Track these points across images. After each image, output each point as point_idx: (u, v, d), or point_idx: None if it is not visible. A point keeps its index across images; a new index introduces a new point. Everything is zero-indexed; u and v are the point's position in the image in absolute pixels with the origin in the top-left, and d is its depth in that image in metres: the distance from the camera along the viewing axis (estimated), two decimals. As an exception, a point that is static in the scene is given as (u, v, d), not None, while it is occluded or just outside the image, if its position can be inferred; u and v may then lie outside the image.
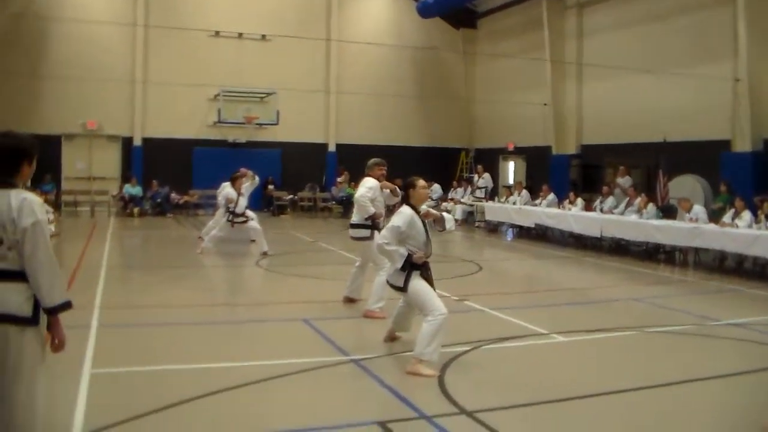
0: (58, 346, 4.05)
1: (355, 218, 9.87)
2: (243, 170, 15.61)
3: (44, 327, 3.97)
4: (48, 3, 24.97)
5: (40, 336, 3.93)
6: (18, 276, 3.84)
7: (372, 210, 9.44)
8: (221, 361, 7.07)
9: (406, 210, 7.21)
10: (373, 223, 9.55)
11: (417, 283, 7.02)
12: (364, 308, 9.43)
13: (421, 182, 7.35)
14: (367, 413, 5.73)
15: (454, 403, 5.80)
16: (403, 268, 6.97)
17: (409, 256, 6.94)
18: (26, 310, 3.83)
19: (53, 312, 3.91)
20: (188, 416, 5.58)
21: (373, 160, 10.01)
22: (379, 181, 9.70)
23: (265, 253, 15.03)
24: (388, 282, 7.42)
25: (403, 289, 7.07)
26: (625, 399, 6.14)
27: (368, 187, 9.62)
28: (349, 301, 9.95)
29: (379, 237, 7.38)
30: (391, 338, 7.69)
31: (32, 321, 3.86)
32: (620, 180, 19.99)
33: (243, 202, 15.31)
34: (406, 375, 6.65)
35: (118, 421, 5.24)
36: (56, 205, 23.46)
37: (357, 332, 8.58)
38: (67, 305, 3.93)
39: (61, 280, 3.97)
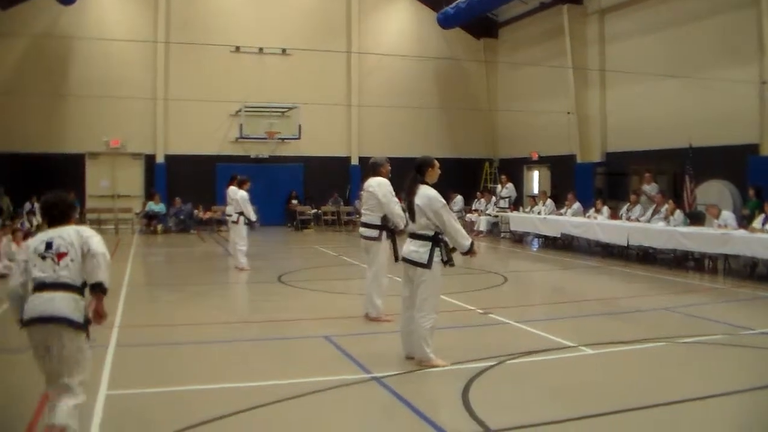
0: (100, 316, 5.10)
1: (365, 218, 9.83)
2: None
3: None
4: (71, 22, 25.18)
5: (83, 338, 5.04)
6: (74, 288, 5.03)
7: (402, 225, 9.29)
8: (241, 380, 6.94)
9: (430, 189, 7.30)
10: (383, 225, 9.50)
11: (440, 270, 7.19)
12: (368, 315, 9.57)
13: (437, 162, 7.52)
14: (388, 433, 5.59)
15: (479, 422, 5.60)
16: (434, 250, 7.17)
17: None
18: (78, 317, 4.97)
19: (98, 288, 5.03)
20: (205, 439, 5.44)
21: (380, 159, 9.88)
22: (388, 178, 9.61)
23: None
24: (404, 258, 7.45)
25: (426, 265, 7.14)
26: (656, 414, 5.92)
27: (390, 191, 9.49)
28: (374, 319, 9.79)
29: (446, 216, 7.17)
30: (410, 357, 7.56)
31: (82, 326, 5.00)
32: (646, 187, 19.73)
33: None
34: (428, 392, 6.50)
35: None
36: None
37: (378, 349, 8.41)
38: (106, 290, 5.03)
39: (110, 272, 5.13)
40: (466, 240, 7.24)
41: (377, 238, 9.63)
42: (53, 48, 25.22)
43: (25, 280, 5.04)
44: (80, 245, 5.09)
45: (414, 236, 7.41)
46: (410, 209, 7.38)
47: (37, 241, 5.13)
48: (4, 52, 24.82)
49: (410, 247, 7.40)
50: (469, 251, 7.26)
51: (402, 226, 9.33)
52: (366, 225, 9.85)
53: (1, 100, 24.34)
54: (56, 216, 5.27)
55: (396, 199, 9.39)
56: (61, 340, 4.90)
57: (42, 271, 4.97)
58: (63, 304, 4.91)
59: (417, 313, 7.25)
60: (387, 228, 9.56)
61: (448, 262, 7.25)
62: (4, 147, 24.30)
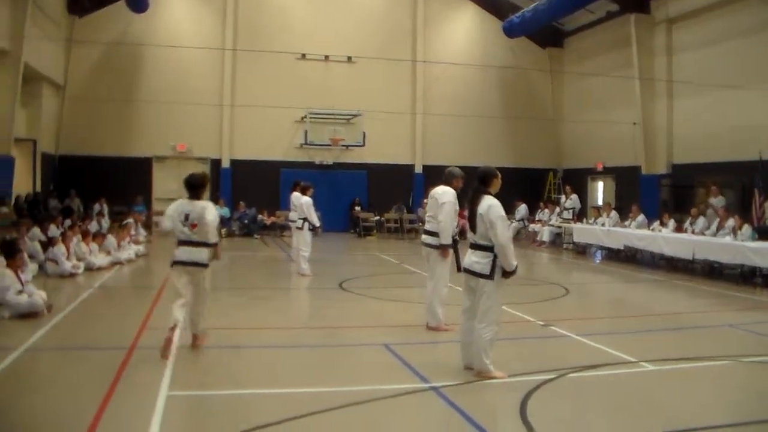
0: (218, 258, 8.63)
1: (429, 225, 9.85)
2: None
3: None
4: (142, 30, 25.85)
5: (208, 275, 8.47)
6: (203, 244, 8.24)
7: (449, 239, 9.33)
8: (300, 386, 7.04)
9: (494, 199, 7.31)
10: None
11: (501, 282, 7.21)
12: (428, 324, 9.60)
13: (499, 173, 7.56)
14: (445, 444, 5.60)
15: (536, 435, 5.59)
16: (496, 260, 7.18)
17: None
18: (205, 260, 8.30)
19: (212, 245, 8.32)
20: (264, 443, 5.53)
21: (456, 170, 9.83)
22: (457, 192, 9.60)
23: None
24: (466, 269, 7.48)
25: (488, 276, 7.16)
26: (717, 434, 5.84)
27: (452, 201, 9.47)
28: (433, 329, 9.80)
29: (501, 228, 7.15)
30: (468, 367, 7.55)
31: (206, 265, 8.36)
32: (713, 200, 19.37)
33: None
34: (486, 403, 6.51)
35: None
36: (148, 225, 24.01)
37: (438, 358, 8.43)
38: (215, 244, 8.38)
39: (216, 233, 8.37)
40: (514, 259, 7.18)
41: (438, 246, 9.59)
42: (125, 55, 25.90)
43: (173, 225, 8.26)
44: (201, 216, 8.10)
45: (476, 247, 7.39)
46: (472, 219, 7.38)
47: (180, 209, 8.26)
48: (79, 59, 25.60)
49: (472, 258, 7.41)
50: (512, 273, 7.21)
51: (446, 241, 9.35)
52: (428, 233, 9.84)
53: (75, 104, 25.15)
54: (192, 190, 8.33)
55: (455, 213, 9.41)
56: (197, 275, 8.31)
57: (182, 233, 8.23)
58: (197, 254, 8.22)
59: (478, 324, 7.24)
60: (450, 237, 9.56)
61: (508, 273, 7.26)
62: (76, 150, 25.04)
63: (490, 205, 7.22)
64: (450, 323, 9.37)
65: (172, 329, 7.82)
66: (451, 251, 9.44)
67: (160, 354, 7.66)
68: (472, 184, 7.55)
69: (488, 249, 7.22)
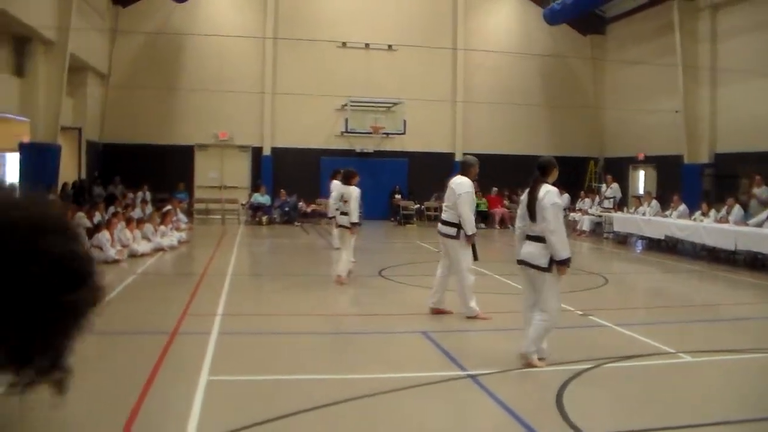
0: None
1: (445, 215, 9.86)
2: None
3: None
4: (183, 20, 26.10)
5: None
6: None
7: (470, 231, 9.41)
8: (337, 372, 7.15)
9: (551, 187, 7.37)
10: (461, 223, 9.53)
11: (557, 272, 7.20)
12: (464, 314, 9.60)
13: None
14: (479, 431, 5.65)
15: (572, 425, 5.60)
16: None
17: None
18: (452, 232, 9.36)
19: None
20: (300, 428, 5.64)
21: (471, 158, 9.91)
22: (473, 181, 9.64)
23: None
24: (524, 261, 7.44)
25: (547, 269, 7.15)
26: (755, 428, 5.82)
27: (469, 192, 9.56)
28: (439, 312, 9.89)
29: (552, 214, 7.15)
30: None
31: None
32: (756, 190, 19.07)
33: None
34: (523, 392, 6.56)
35: (230, 429, 5.33)
36: (189, 212, 24.32)
37: (476, 346, 8.49)
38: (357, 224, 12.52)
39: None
40: (565, 250, 7.15)
41: (455, 237, 9.60)
42: (167, 44, 26.18)
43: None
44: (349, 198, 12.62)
45: (533, 238, 7.38)
46: (530, 209, 7.37)
47: (336, 192, 12.47)
48: (122, 49, 25.96)
49: (528, 249, 7.40)
50: (563, 263, 7.17)
51: (470, 232, 9.39)
52: (444, 222, 9.85)
53: (118, 93, 25.52)
54: (344, 178, 12.20)
55: (472, 203, 9.46)
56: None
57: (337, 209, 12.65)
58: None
59: (536, 315, 7.27)
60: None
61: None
62: (120, 138, 25.42)
63: (547, 191, 7.27)
64: (488, 312, 9.44)
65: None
66: (464, 238, 9.56)
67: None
68: (533, 173, 7.57)
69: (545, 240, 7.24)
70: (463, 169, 9.80)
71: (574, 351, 7.99)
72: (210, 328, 8.68)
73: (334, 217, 15.22)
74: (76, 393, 4.82)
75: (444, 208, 10.00)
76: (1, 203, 1.26)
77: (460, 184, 9.60)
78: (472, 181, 9.65)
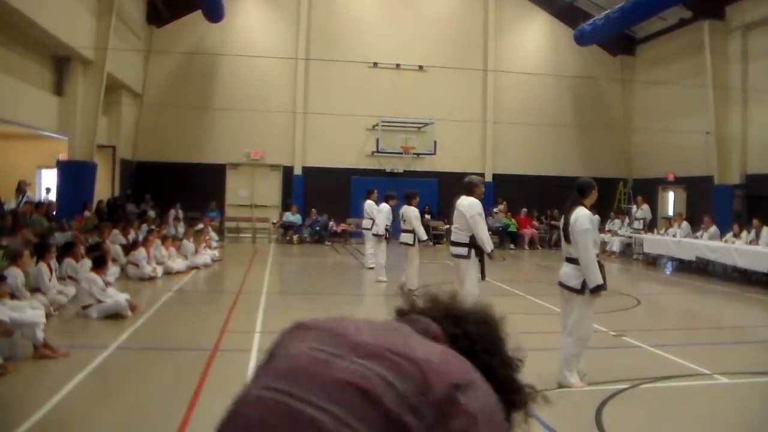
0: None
1: (454, 236, 9.95)
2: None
3: None
4: (216, 40, 26.43)
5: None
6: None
7: (488, 248, 9.52)
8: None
9: (583, 210, 7.34)
10: (472, 243, 9.60)
11: (591, 297, 7.22)
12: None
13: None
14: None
15: (612, 444, 5.69)
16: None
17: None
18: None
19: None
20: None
21: (476, 178, 10.05)
22: (479, 199, 9.73)
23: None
24: (559, 282, 7.50)
25: (580, 291, 7.19)
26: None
27: (480, 212, 9.66)
28: None
29: (582, 242, 7.18)
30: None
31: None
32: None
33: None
34: (562, 411, 6.63)
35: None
36: (221, 231, 24.57)
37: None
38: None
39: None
40: (596, 277, 7.15)
41: (466, 256, 9.70)
42: (200, 64, 26.53)
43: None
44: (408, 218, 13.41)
45: (569, 260, 7.43)
46: (565, 231, 7.44)
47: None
48: (157, 68, 26.36)
49: (564, 270, 7.46)
50: (598, 289, 7.18)
51: (489, 250, 9.50)
52: (454, 243, 9.96)
53: (152, 111, 25.89)
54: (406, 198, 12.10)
55: (484, 221, 9.57)
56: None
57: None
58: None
59: (567, 337, 7.33)
60: (476, 246, 9.69)
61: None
62: (153, 156, 25.76)
63: (577, 216, 7.28)
64: (520, 332, 9.49)
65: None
66: (477, 259, 9.67)
67: None
68: (571, 194, 7.62)
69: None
70: (469, 189, 9.89)
71: (610, 371, 8.04)
72: (250, 345, 8.82)
73: (378, 234, 16.29)
74: (124, 409, 4.99)
75: (453, 229, 10.07)
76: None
77: (469, 206, 9.68)
78: (479, 200, 9.75)
